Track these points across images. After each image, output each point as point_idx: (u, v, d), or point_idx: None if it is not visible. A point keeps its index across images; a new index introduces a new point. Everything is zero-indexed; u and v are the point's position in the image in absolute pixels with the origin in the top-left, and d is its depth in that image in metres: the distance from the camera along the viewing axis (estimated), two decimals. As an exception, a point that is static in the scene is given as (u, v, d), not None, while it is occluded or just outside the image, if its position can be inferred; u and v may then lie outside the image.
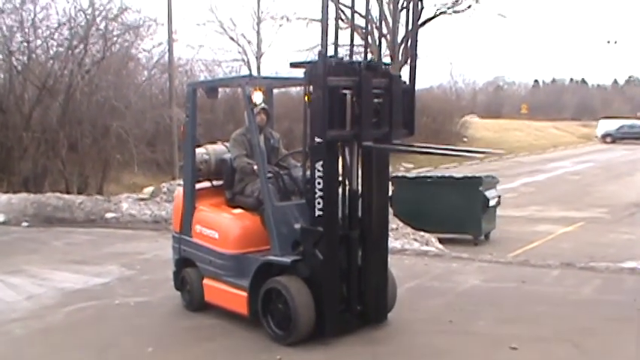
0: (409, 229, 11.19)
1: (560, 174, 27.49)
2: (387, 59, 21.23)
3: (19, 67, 17.02)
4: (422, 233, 11.17)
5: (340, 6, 6.22)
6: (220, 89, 8.56)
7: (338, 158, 5.60)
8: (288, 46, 71.84)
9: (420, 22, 25.19)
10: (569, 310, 6.57)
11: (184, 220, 6.69)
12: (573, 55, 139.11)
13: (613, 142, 48.58)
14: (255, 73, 29.68)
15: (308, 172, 5.56)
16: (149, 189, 14.18)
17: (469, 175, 13.85)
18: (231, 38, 33.16)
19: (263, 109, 6.30)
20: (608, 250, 11.70)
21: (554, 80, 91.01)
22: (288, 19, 31.25)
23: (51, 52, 17.69)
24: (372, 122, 5.52)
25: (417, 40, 6.26)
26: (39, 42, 17.48)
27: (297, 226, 5.67)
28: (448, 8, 28.89)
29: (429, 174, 17.28)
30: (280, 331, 5.59)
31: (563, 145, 46.66)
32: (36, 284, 7.88)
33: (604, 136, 50.63)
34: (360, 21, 7.16)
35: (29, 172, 16.62)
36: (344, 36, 5.73)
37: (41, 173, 16.74)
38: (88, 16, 17.61)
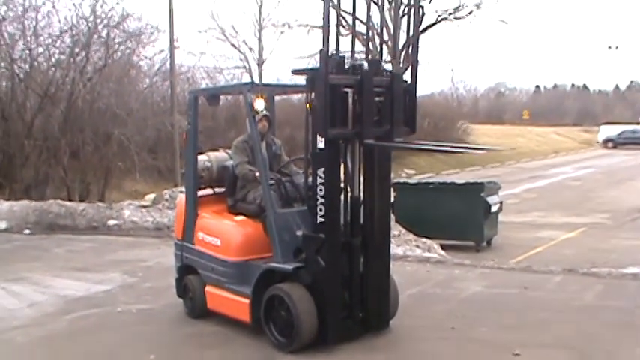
0: (411, 236, 11.19)
1: (562, 180, 27.49)
2: (388, 66, 21.25)
3: (22, 75, 17.04)
4: (424, 239, 11.17)
5: (342, 13, 6.24)
6: (222, 96, 8.58)
7: (340, 165, 5.61)
8: (290, 54, 71.90)
9: (421, 28, 25.21)
10: (571, 315, 6.56)
11: (186, 228, 6.70)
12: (574, 60, 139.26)
13: (614, 147, 48.58)
14: (256, 80, 29.71)
15: (310, 179, 5.57)
16: (151, 196, 14.19)
17: (471, 181, 13.86)
18: (233, 45, 33.27)
19: (265, 116, 6.31)
20: (610, 256, 11.68)
21: (555, 86, 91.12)
22: (289, 26, 31.29)
23: (53, 59, 17.73)
24: (374, 120, 5.53)
25: (418, 47, 6.27)
26: (41, 50, 17.53)
27: (299, 233, 5.66)
28: (449, 14, 28.88)
29: (430, 180, 17.31)
30: (283, 339, 5.58)
31: (565, 150, 46.67)
32: (38, 291, 7.88)
33: (605, 142, 50.64)
34: (361, 27, 7.22)
35: (31, 179, 16.63)
36: (345, 42, 5.75)
37: (43, 181, 16.74)
38: (90, 24, 17.65)
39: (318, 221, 5.47)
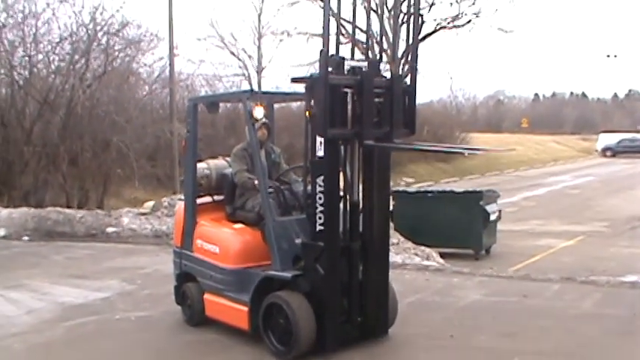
0: (410, 244, 11.19)
1: (561, 188, 27.50)
2: (387, 73, 21.26)
3: (21, 82, 17.07)
4: (423, 248, 11.16)
5: (341, 21, 6.25)
6: (221, 104, 8.58)
7: (339, 173, 5.61)
8: (289, 61, 71.91)
9: (420, 36, 25.26)
10: (570, 324, 6.55)
11: (185, 235, 6.69)
12: (573, 68, 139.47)
13: (613, 155, 48.62)
14: (255, 88, 29.73)
15: (309, 187, 5.57)
16: (150, 203, 14.19)
17: (470, 189, 13.87)
18: (232, 53, 33.27)
19: (264, 124, 6.32)
20: (609, 264, 11.68)
21: (554, 94, 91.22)
22: (288, 34, 31.25)
23: (52, 66, 17.78)
24: (374, 121, 5.53)
25: (417, 55, 6.29)
26: (40, 56, 17.57)
27: (298, 240, 5.66)
28: (448, 23, 28.93)
29: (429, 188, 17.32)
30: (281, 347, 5.57)
31: (564, 159, 46.72)
32: (36, 299, 7.86)
33: (604, 150, 50.68)
34: (360, 36, 7.22)
35: (30, 186, 16.62)
36: (345, 51, 5.76)
37: (42, 187, 16.73)
38: (89, 31, 17.69)
39: (317, 229, 5.47)
